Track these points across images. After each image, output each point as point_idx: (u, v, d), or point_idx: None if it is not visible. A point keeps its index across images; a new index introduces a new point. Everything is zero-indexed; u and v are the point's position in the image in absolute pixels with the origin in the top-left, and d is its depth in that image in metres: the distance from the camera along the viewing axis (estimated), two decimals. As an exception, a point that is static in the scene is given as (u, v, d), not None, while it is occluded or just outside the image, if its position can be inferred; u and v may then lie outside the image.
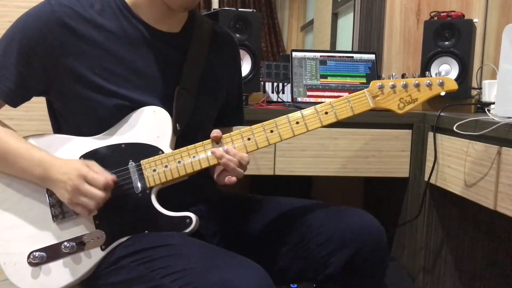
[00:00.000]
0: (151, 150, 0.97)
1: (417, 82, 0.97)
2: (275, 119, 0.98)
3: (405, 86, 0.98)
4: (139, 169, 0.96)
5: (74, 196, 0.90)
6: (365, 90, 0.98)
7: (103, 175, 0.91)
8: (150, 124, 0.98)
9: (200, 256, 0.86)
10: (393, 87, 0.98)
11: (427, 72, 1.02)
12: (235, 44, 1.20)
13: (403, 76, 0.99)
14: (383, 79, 1.00)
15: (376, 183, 2.13)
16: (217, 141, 0.96)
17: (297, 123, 0.97)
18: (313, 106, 0.98)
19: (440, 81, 0.98)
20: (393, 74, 1.00)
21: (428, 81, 0.97)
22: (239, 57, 1.23)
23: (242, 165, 0.96)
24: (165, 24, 1.03)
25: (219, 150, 0.95)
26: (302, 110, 0.98)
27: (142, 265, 0.88)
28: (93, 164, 0.93)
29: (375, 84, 0.98)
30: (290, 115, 0.98)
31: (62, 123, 1.05)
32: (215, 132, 0.96)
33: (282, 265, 1.02)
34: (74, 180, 0.89)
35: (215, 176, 1.04)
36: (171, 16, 1.03)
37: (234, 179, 0.95)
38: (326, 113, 0.97)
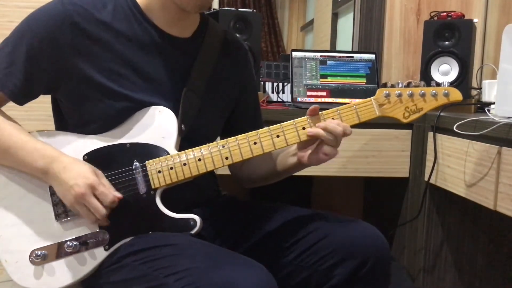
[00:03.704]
0: (156, 151, 0.97)
1: (423, 91, 0.99)
2: (282, 124, 0.97)
3: (411, 95, 0.99)
4: (144, 170, 0.96)
5: (77, 203, 0.90)
6: (372, 98, 0.99)
7: (111, 192, 0.92)
8: (156, 125, 0.98)
9: (203, 255, 0.86)
10: (399, 95, 0.98)
11: (432, 82, 1.03)
12: (247, 54, 1.20)
13: (408, 84, 1.00)
14: (388, 86, 1.00)
15: (376, 183, 2.13)
16: (315, 114, 0.96)
17: (303, 128, 0.97)
18: (320, 112, 0.98)
19: (446, 91, 0.99)
20: (399, 82, 1.01)
21: (434, 91, 0.99)
22: (252, 68, 1.22)
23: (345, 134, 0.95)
24: (176, 29, 1.03)
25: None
26: (309, 116, 0.98)
27: (145, 264, 0.88)
28: (102, 176, 0.94)
29: (381, 92, 0.99)
30: (296, 120, 0.97)
31: (67, 121, 1.04)
32: (314, 106, 0.96)
33: (285, 273, 1.01)
34: (81, 188, 0.89)
35: (305, 157, 1.00)
36: (182, 20, 1.03)
37: (330, 153, 0.95)
38: (333, 119, 0.97)
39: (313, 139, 0.98)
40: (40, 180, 0.96)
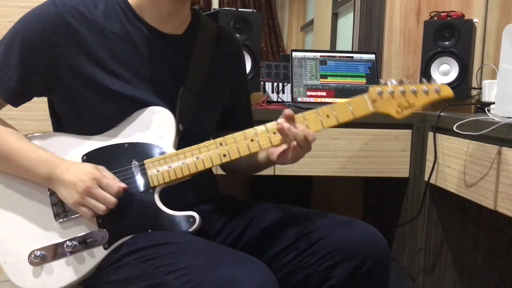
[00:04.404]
0: (155, 150, 0.97)
1: (414, 88, 1.00)
2: (277, 121, 0.97)
3: (403, 92, 1.00)
4: (143, 169, 0.96)
5: (83, 198, 0.90)
6: (365, 94, 1.01)
7: (116, 182, 0.92)
8: (154, 124, 0.98)
9: (204, 253, 0.86)
10: (392, 92, 1.00)
11: (423, 79, 1.04)
12: (240, 48, 1.21)
13: (401, 82, 1.02)
14: (381, 83, 1.02)
15: (376, 183, 2.13)
16: (291, 119, 0.96)
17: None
18: (315, 109, 0.99)
19: (437, 88, 1.01)
20: (391, 79, 1.02)
21: (425, 88, 1.00)
22: (244, 61, 1.23)
23: (308, 141, 0.95)
24: (168, 26, 1.03)
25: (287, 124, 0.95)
26: (304, 113, 0.98)
27: (145, 262, 0.88)
28: (103, 168, 0.94)
29: (374, 89, 1.01)
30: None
31: (64, 123, 1.04)
32: (289, 111, 0.96)
33: (284, 273, 1.01)
34: (86, 183, 0.89)
35: (275, 157, 1.01)
36: (174, 15, 1.03)
37: (291, 156, 0.96)
38: (328, 116, 0.99)
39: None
40: (40, 190, 0.96)
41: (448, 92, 1.01)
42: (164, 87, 1.01)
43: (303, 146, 0.96)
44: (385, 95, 1.00)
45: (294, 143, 0.95)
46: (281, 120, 0.97)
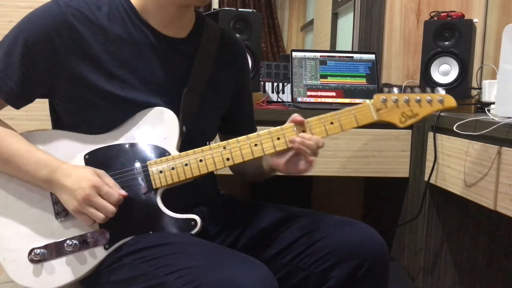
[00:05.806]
0: (158, 151, 0.97)
1: (418, 98, 1.01)
2: (282, 126, 0.98)
3: (407, 101, 1.01)
4: (145, 170, 0.96)
5: (82, 206, 0.90)
6: (369, 103, 1.01)
7: (116, 190, 0.91)
8: (157, 126, 0.98)
9: (204, 254, 0.86)
10: (396, 101, 1.01)
11: (427, 88, 1.05)
12: (243, 52, 1.20)
13: (404, 90, 1.03)
14: (385, 91, 1.02)
15: (376, 183, 2.13)
16: (300, 124, 0.98)
17: (303, 131, 0.98)
18: (319, 116, 0.99)
19: (440, 98, 1.02)
20: (394, 89, 1.03)
21: (429, 98, 1.01)
22: (248, 64, 1.23)
23: (319, 147, 0.97)
24: (172, 29, 1.02)
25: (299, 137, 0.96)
26: (308, 119, 0.99)
27: (146, 262, 0.88)
28: (104, 174, 0.93)
29: (379, 97, 1.01)
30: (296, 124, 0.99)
31: (64, 123, 1.04)
32: (298, 116, 0.98)
33: (282, 274, 1.01)
34: (85, 190, 0.89)
35: (282, 168, 1.01)
36: (179, 19, 1.03)
37: (304, 166, 0.97)
38: (332, 123, 1.00)
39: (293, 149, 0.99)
40: (41, 188, 0.95)
41: (452, 103, 1.03)
42: (167, 89, 1.01)
43: (316, 154, 0.97)
44: (389, 103, 1.01)
45: (312, 157, 0.96)
46: (287, 125, 0.98)
